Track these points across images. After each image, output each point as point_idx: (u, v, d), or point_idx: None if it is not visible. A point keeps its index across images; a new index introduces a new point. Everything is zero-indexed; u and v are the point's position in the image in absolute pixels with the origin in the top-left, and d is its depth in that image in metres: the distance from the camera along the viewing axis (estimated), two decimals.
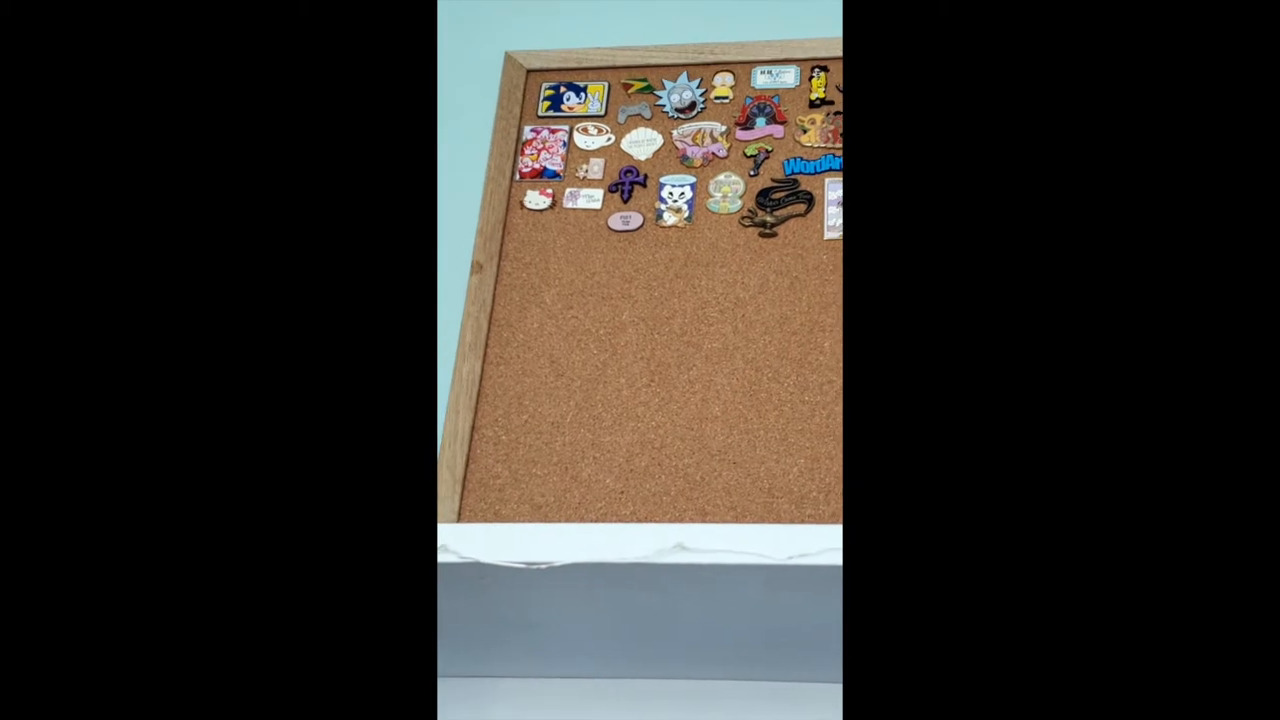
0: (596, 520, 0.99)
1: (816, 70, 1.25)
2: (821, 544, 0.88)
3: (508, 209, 1.19)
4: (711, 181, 1.19)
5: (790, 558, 0.90)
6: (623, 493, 1.00)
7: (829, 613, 0.93)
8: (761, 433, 1.02)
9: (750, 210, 1.16)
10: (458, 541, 0.92)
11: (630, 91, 1.27)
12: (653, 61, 1.28)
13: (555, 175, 1.22)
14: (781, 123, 1.22)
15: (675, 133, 1.23)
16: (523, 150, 1.24)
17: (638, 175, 1.20)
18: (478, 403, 1.07)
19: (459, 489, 1.02)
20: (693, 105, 1.25)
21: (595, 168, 1.22)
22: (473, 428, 1.05)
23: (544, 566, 0.91)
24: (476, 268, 1.13)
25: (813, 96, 1.23)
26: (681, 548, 0.91)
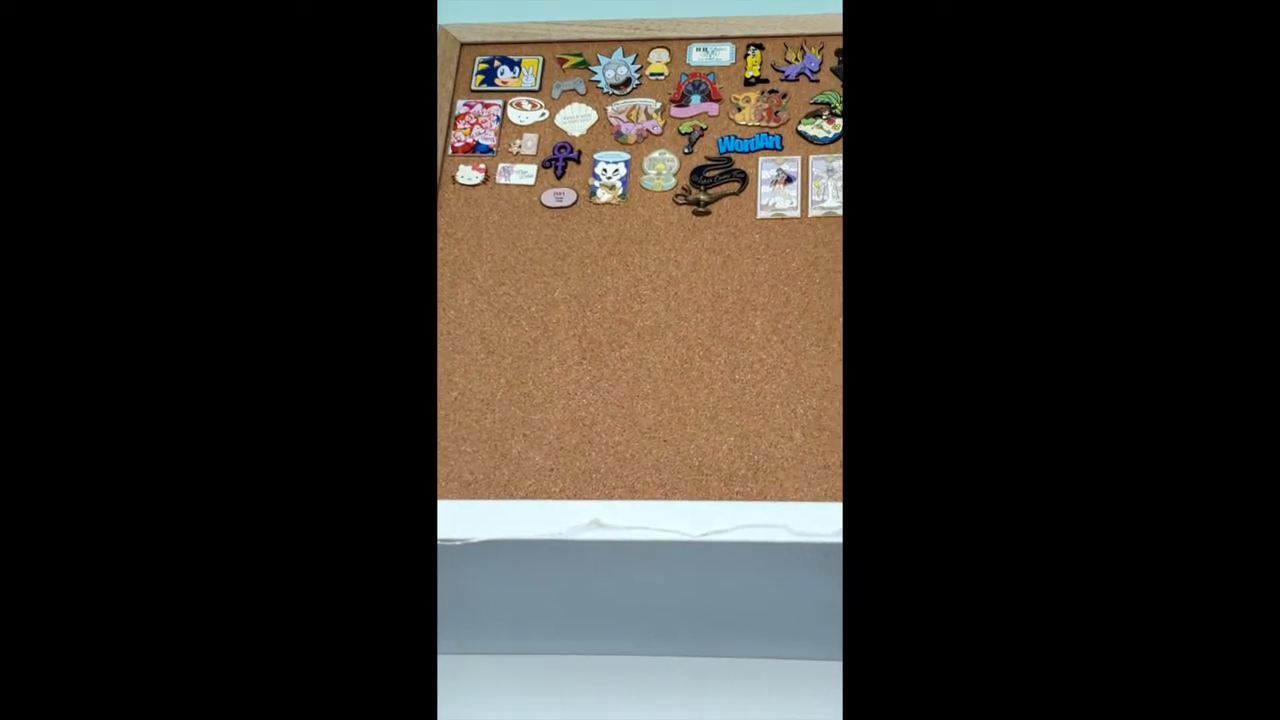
0: (525, 498, 0.98)
1: (752, 48, 1.24)
2: (737, 520, 0.89)
3: (439, 184, 1.18)
4: (646, 159, 1.18)
5: (705, 534, 0.90)
6: (552, 470, 1.00)
7: (743, 588, 0.94)
8: (692, 410, 1.02)
9: (684, 188, 1.16)
10: None
11: (565, 67, 1.26)
12: (588, 37, 1.27)
13: (488, 150, 1.20)
14: (716, 100, 1.22)
15: (610, 109, 1.22)
16: (455, 125, 1.22)
17: (572, 151, 1.19)
18: None
19: None
20: (628, 81, 1.24)
21: (529, 143, 1.21)
22: None
23: (460, 543, 0.91)
24: None
25: (748, 74, 1.23)
26: (598, 524, 0.91)
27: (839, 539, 0.92)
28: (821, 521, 0.92)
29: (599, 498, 0.98)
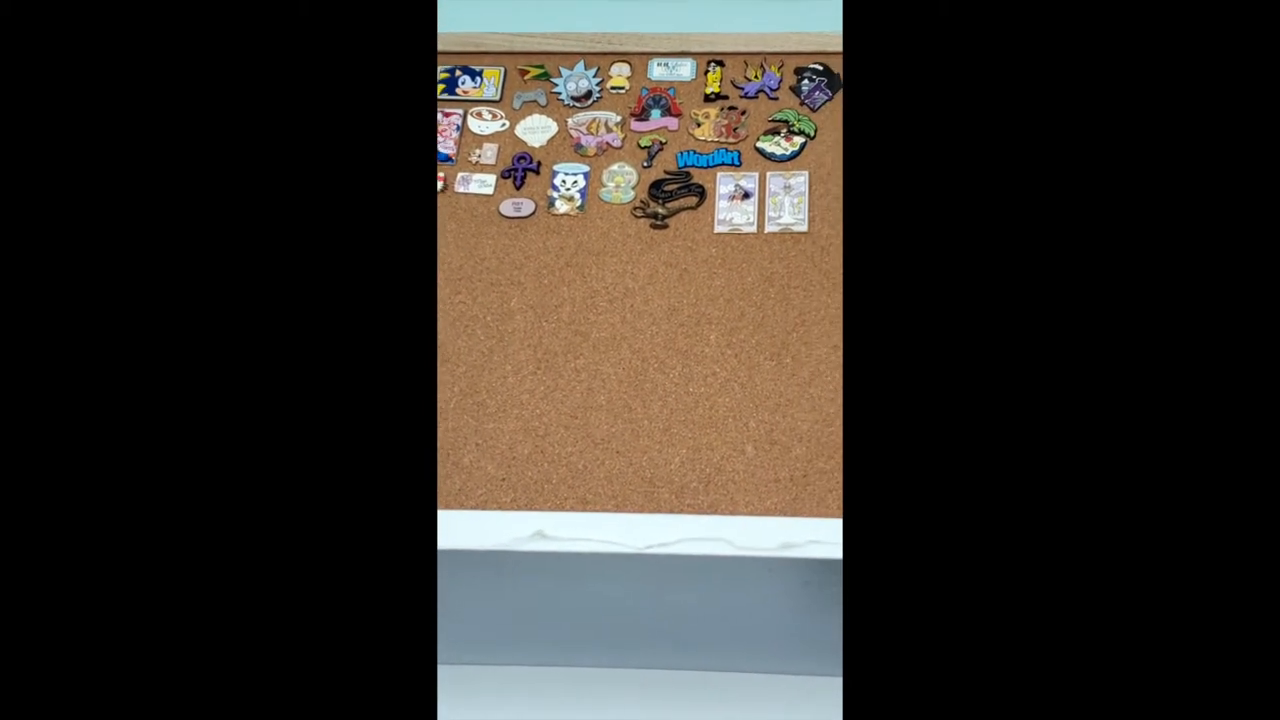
0: (476, 507, 0.98)
1: (712, 64, 1.25)
2: (680, 533, 0.89)
3: None
4: (605, 171, 1.19)
5: (648, 546, 0.90)
6: (504, 480, 1.00)
7: (685, 601, 0.94)
8: (645, 423, 1.02)
9: (642, 201, 1.16)
10: None
11: (526, 78, 1.26)
12: (550, 49, 1.28)
13: (447, 159, 1.20)
14: (676, 115, 1.22)
15: (570, 121, 1.23)
16: None
17: (531, 162, 1.20)
18: None
19: None
20: (589, 94, 1.24)
21: (488, 153, 1.21)
22: None
23: None
24: None
25: (708, 90, 1.24)
26: (541, 535, 0.91)
27: (784, 553, 0.92)
28: (764, 535, 0.93)
29: (550, 509, 0.98)
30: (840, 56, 1.25)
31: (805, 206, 1.14)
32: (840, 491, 0.97)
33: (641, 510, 0.97)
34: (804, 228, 1.13)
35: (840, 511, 0.96)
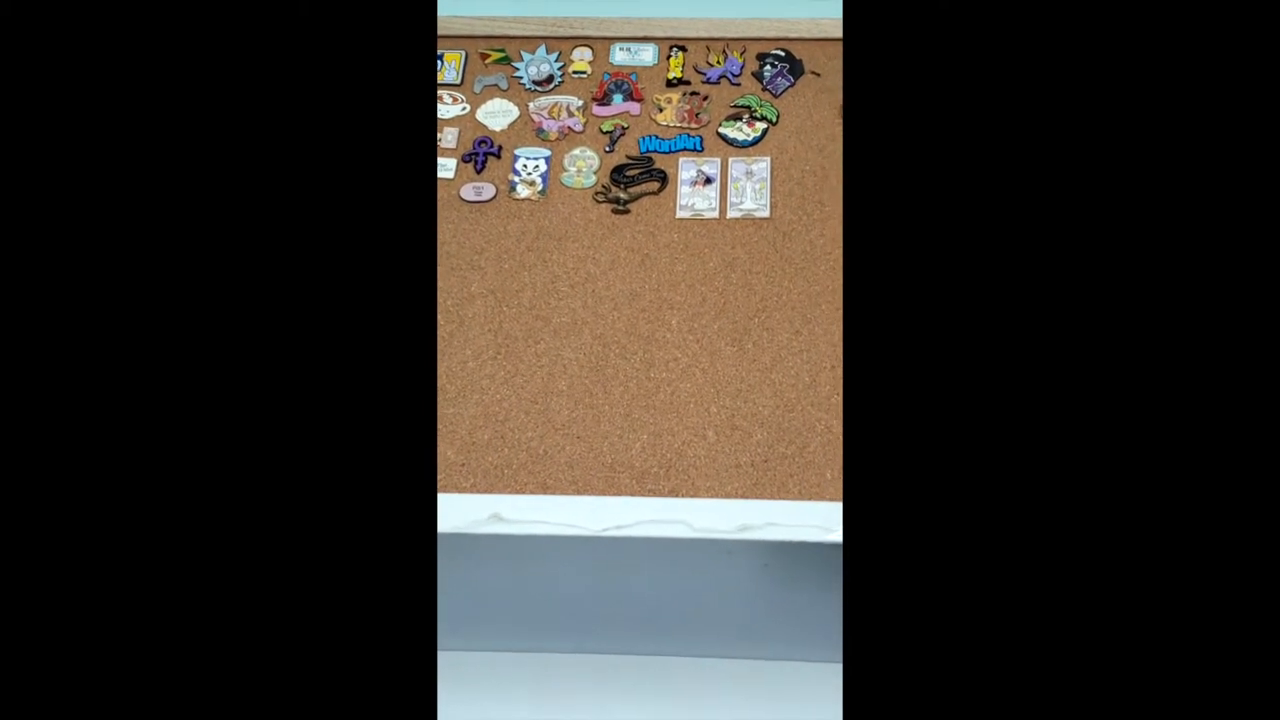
0: (437, 492, 0.97)
1: (675, 49, 1.25)
2: (637, 516, 0.89)
3: None
4: (566, 156, 1.18)
5: (605, 529, 0.90)
6: (464, 465, 0.99)
7: (644, 584, 0.93)
8: (606, 408, 1.02)
9: (604, 186, 1.16)
10: None
11: (487, 62, 1.25)
12: (511, 33, 1.27)
13: None
14: (638, 100, 1.22)
15: (531, 105, 1.22)
16: None
17: (492, 146, 1.19)
18: None
19: None
20: (550, 79, 1.24)
21: (449, 137, 1.20)
22: None
23: None
24: None
25: (670, 75, 1.23)
26: (497, 518, 0.91)
27: (742, 535, 0.92)
28: (722, 517, 0.93)
29: (510, 493, 0.97)
30: (801, 43, 1.25)
31: (767, 192, 1.14)
32: (801, 476, 0.97)
33: (602, 494, 0.97)
34: (766, 213, 1.13)
35: (800, 495, 0.96)
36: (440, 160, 1.18)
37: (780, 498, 0.96)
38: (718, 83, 1.23)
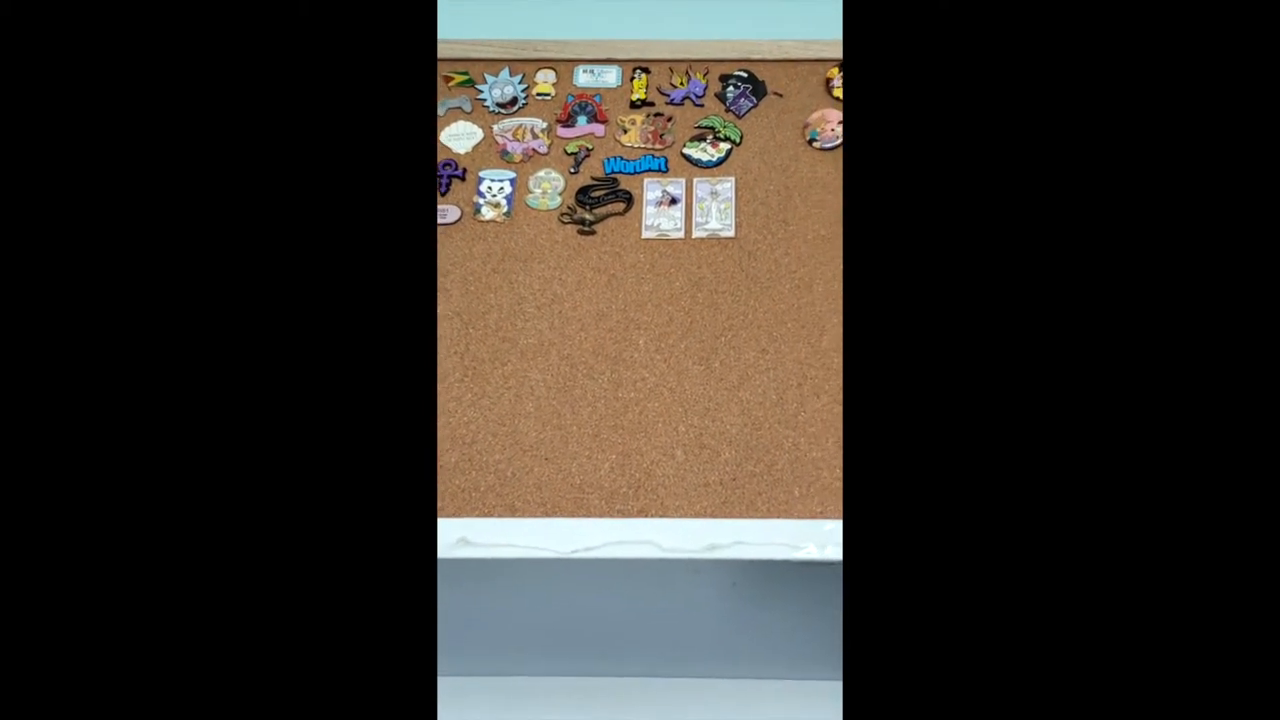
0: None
1: (638, 71, 1.25)
2: (605, 537, 0.88)
3: None
4: (531, 177, 1.18)
5: (574, 551, 0.90)
6: None
7: (612, 605, 0.93)
8: (574, 429, 1.02)
9: (569, 207, 1.16)
10: None
11: (451, 84, 1.26)
12: (475, 55, 1.27)
13: None
14: (603, 122, 1.22)
15: (496, 127, 1.22)
16: None
17: (456, 169, 1.19)
18: None
19: None
20: (514, 101, 1.24)
21: None
22: None
23: None
24: None
25: (634, 97, 1.24)
26: (465, 542, 0.90)
27: (710, 554, 0.92)
28: (691, 537, 0.93)
29: (478, 516, 0.97)
30: (763, 64, 1.26)
31: (732, 212, 1.15)
32: (769, 494, 0.98)
33: (571, 516, 0.97)
34: (731, 233, 1.13)
35: (769, 513, 0.97)
36: None
37: (749, 515, 0.96)
38: (681, 104, 1.23)
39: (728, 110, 1.22)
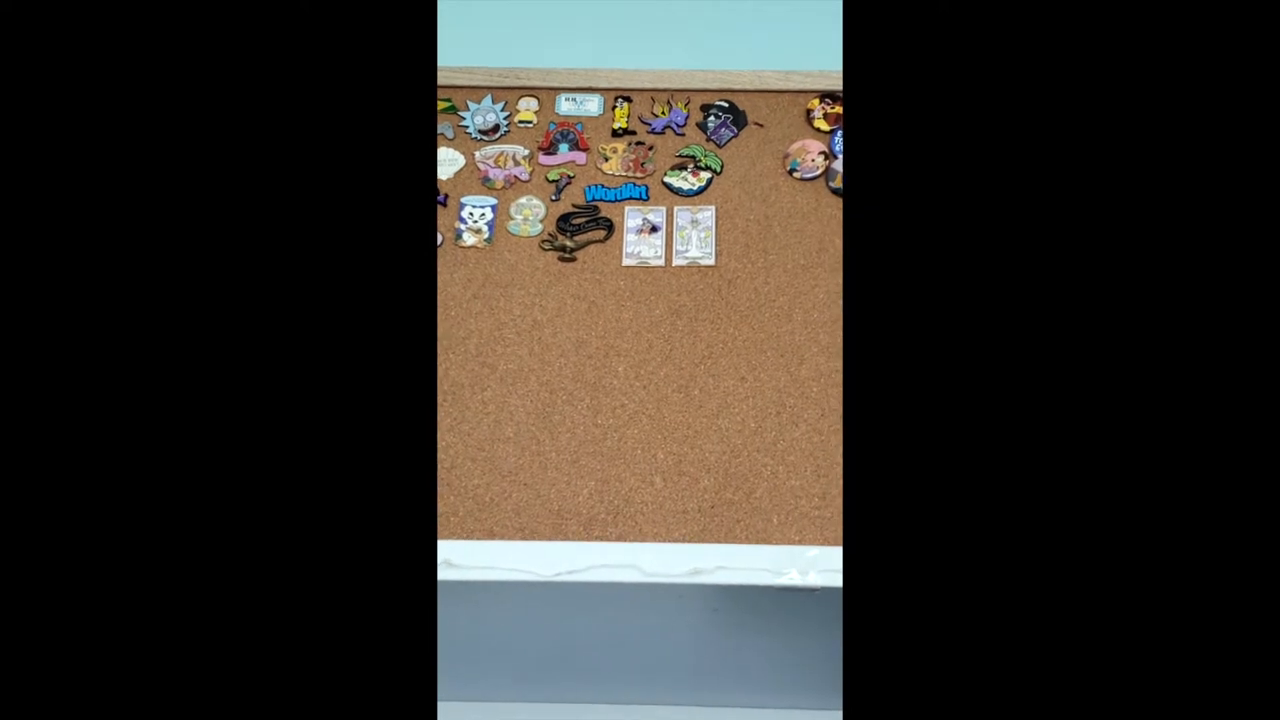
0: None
1: (620, 100, 1.26)
2: (589, 560, 0.88)
3: None
4: (513, 204, 1.19)
5: (557, 574, 0.89)
6: None
7: (594, 629, 0.93)
8: (553, 455, 1.02)
9: (550, 234, 1.16)
10: None
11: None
12: (457, 82, 1.28)
13: None
14: (584, 149, 1.23)
15: (478, 154, 1.22)
16: None
17: (438, 195, 1.19)
18: None
19: None
20: (496, 128, 1.25)
21: None
22: None
23: None
24: None
25: (615, 125, 1.24)
26: (448, 564, 0.90)
27: (694, 579, 0.92)
28: (674, 561, 0.93)
29: (460, 539, 0.96)
30: (744, 94, 1.27)
31: (712, 240, 1.15)
32: (748, 522, 0.98)
33: (549, 541, 0.96)
34: (711, 261, 1.14)
35: (748, 539, 0.97)
36: None
37: (728, 542, 0.96)
38: (662, 133, 1.24)
39: (709, 139, 1.23)
